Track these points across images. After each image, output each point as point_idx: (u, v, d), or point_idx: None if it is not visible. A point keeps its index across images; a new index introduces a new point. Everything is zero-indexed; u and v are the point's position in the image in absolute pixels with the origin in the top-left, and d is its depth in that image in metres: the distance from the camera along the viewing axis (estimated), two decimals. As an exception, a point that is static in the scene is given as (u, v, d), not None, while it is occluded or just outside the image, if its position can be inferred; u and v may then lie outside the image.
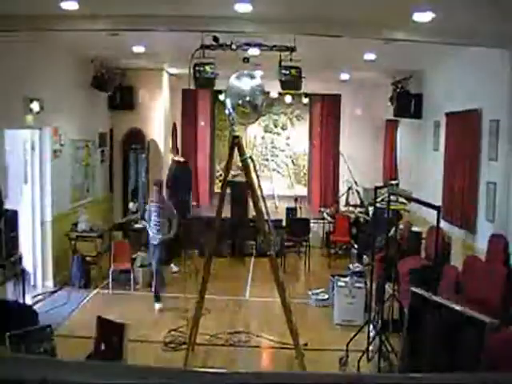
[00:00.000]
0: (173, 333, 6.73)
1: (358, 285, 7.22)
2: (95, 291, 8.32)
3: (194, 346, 6.04)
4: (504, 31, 5.86)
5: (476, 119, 7.04)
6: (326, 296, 8.10)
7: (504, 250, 5.93)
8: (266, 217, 5.68)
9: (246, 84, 5.35)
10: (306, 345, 6.47)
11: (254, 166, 5.57)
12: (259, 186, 5.59)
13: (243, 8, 5.57)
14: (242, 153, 5.48)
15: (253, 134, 16.50)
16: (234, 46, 6.68)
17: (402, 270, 6.81)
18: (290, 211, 11.47)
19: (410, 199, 7.42)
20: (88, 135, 9.82)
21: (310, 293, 8.26)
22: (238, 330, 6.94)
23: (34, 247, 8.05)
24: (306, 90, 8.99)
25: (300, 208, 11.70)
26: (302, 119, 16.27)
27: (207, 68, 7.06)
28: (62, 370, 0.89)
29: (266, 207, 5.61)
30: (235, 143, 5.46)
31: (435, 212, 4.97)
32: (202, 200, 13.61)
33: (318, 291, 8.29)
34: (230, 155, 5.64)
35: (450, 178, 7.92)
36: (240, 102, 5.31)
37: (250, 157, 5.56)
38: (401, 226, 8.47)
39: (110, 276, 8.25)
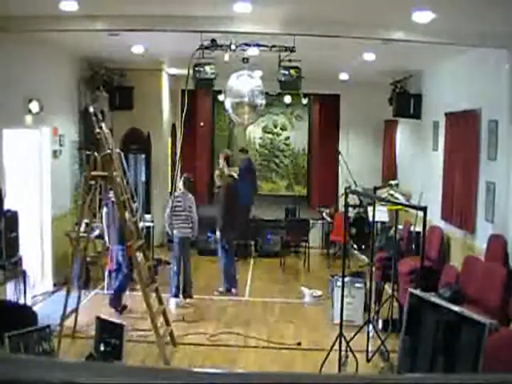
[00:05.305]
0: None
1: (357, 285, 7.22)
2: (95, 291, 8.31)
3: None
4: (504, 31, 5.86)
5: (475, 119, 7.05)
6: (319, 292, 8.25)
7: (503, 250, 5.93)
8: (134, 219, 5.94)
9: (245, 84, 5.35)
10: (299, 344, 6.49)
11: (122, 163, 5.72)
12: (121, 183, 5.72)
13: (243, 8, 5.57)
14: (98, 150, 5.60)
15: (252, 134, 16.50)
16: (233, 47, 6.67)
17: (401, 270, 6.81)
18: (290, 211, 11.45)
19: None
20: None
21: (305, 293, 8.41)
22: (237, 330, 6.95)
23: (33, 247, 8.04)
24: (305, 90, 8.99)
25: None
26: (301, 119, 16.28)
27: (207, 68, 7.06)
28: (61, 370, 0.89)
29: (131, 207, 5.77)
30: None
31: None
32: (200, 200, 13.59)
33: (308, 290, 8.45)
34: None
35: (449, 178, 7.92)
36: (239, 102, 5.32)
37: (109, 154, 5.67)
38: (400, 226, 8.48)
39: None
